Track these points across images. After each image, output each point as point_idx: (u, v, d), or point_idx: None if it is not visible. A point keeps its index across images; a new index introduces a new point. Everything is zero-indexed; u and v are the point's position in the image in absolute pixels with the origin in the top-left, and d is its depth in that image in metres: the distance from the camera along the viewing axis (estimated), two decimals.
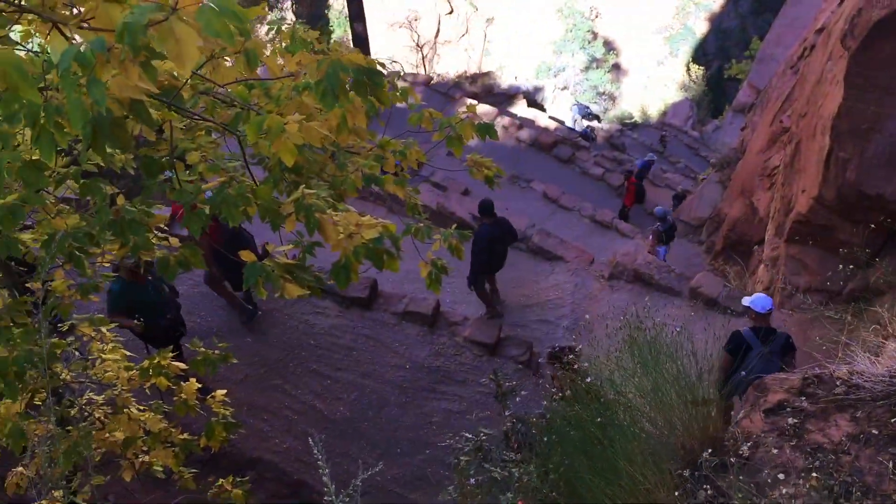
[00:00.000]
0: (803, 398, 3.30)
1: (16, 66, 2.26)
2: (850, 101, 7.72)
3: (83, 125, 2.43)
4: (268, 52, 4.66)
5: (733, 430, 3.40)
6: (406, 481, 7.77)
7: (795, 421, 3.17)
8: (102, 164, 4.36)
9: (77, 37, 2.49)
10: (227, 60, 4.00)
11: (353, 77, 3.18)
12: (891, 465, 2.76)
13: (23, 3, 2.61)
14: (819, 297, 9.18)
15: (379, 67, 3.45)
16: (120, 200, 3.85)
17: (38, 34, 4.02)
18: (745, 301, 7.12)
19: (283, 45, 4.94)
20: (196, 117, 4.02)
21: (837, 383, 3.28)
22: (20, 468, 5.70)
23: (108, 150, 3.21)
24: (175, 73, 3.23)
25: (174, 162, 3.94)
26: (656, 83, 44.14)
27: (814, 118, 9.31)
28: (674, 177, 24.89)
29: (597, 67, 42.40)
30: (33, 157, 3.24)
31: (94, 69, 2.16)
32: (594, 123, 27.44)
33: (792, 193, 10.16)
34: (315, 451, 2.65)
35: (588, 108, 28.71)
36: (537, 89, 39.18)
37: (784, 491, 2.67)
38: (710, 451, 3.02)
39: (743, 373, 5.66)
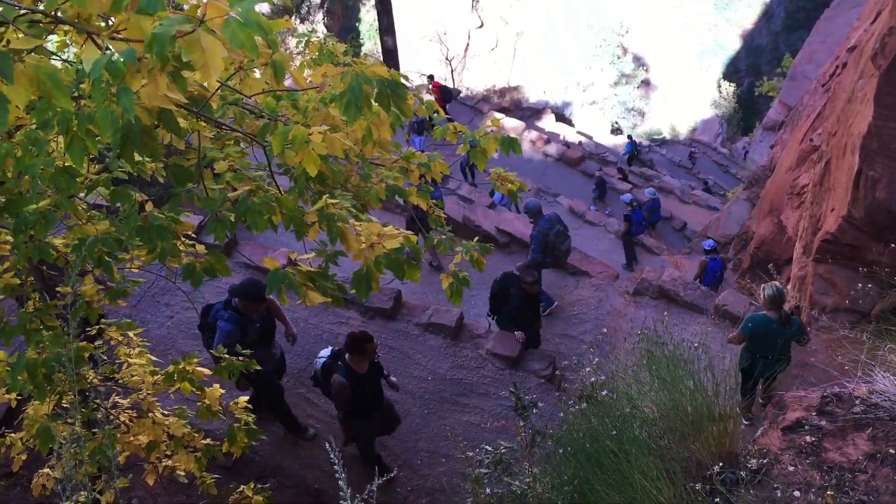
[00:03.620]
0: (822, 416, 3.28)
1: (51, 76, 2.34)
2: (879, 120, 7.66)
3: (113, 133, 2.51)
4: (296, 64, 4.74)
5: (750, 446, 3.39)
6: (425, 492, 7.78)
7: (813, 439, 3.16)
8: (132, 172, 4.47)
9: (110, 47, 2.57)
10: (255, 72, 4.09)
11: (377, 89, 3.23)
12: None
13: (59, 14, 2.70)
14: (847, 318, 9.07)
15: (403, 80, 3.51)
16: (149, 207, 3.93)
17: (73, 44, 4.14)
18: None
19: (312, 57, 5.04)
20: (224, 127, 4.10)
21: (856, 402, 3.26)
22: (46, 469, 5.81)
23: (138, 157, 3.30)
24: (204, 84, 3.32)
25: (202, 170, 4.01)
26: (686, 99, 43.96)
27: (844, 137, 9.24)
28: (702, 193, 24.75)
29: (626, 83, 42.34)
30: (66, 164, 3.33)
31: (125, 79, 2.23)
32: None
33: (821, 212, 10.07)
34: (332, 456, 2.69)
35: (638, 144, 28.73)
36: (565, 104, 39.18)
37: None
38: (720, 465, 3.02)
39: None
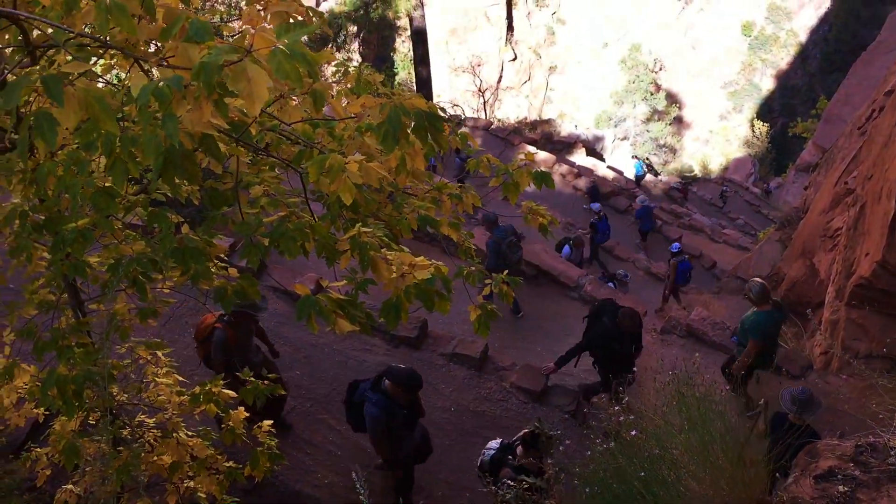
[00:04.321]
0: (855, 466, 3.21)
1: (98, 99, 2.39)
2: None
3: (156, 157, 2.56)
4: (334, 93, 4.81)
5: (782, 493, 3.32)
6: None
7: (846, 489, 3.09)
8: (170, 195, 4.54)
9: (155, 72, 2.63)
10: (294, 100, 4.15)
11: (414, 121, 3.26)
12: None
13: (108, 39, 2.77)
14: (881, 364, 8.91)
15: (440, 112, 3.54)
16: (184, 229, 3.98)
17: (118, 68, 4.23)
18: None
19: (348, 86, 5.10)
20: (262, 153, 4.16)
21: (892, 453, 3.19)
22: (69, 486, 5.84)
23: (177, 181, 3.35)
24: (244, 110, 3.37)
25: (239, 194, 4.07)
26: (719, 138, 43.82)
27: (880, 181, 9.14)
28: (732, 233, 24.57)
29: (658, 119, 42.30)
30: (106, 185, 3.39)
31: (171, 105, 2.28)
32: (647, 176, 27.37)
33: (854, 256, 9.94)
34: (357, 486, 2.68)
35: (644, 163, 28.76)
36: (597, 138, 39.24)
37: None
38: None
39: None
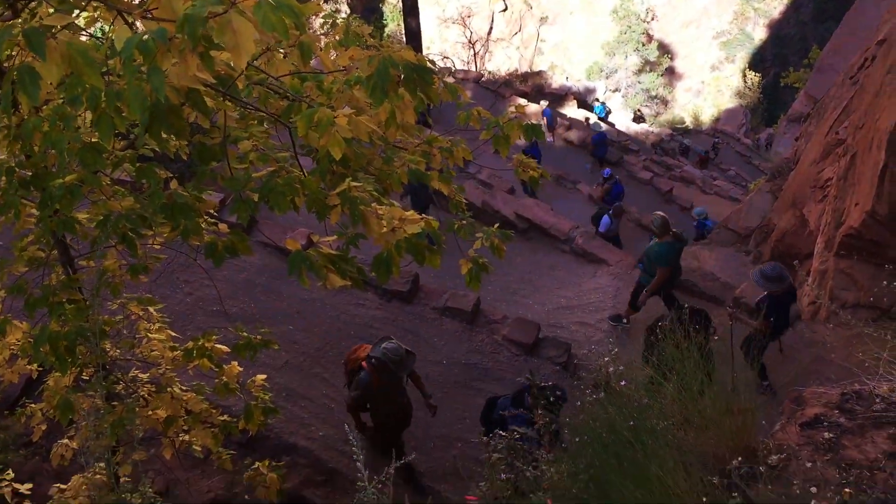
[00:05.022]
0: (841, 413, 3.27)
1: (82, 53, 2.35)
2: None
3: (142, 111, 2.52)
4: (321, 46, 4.74)
5: (768, 440, 3.38)
6: (438, 475, 7.82)
7: (831, 435, 3.14)
8: (158, 150, 4.49)
9: (139, 25, 2.58)
10: (281, 52, 4.09)
11: (404, 73, 3.23)
12: None
13: None
14: (868, 314, 8.99)
15: (429, 65, 3.50)
16: (173, 185, 3.95)
17: (101, 20, 4.15)
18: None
19: (337, 38, 5.03)
20: (249, 107, 4.11)
21: (877, 400, 3.24)
22: (65, 440, 5.90)
23: (164, 135, 3.32)
24: (231, 64, 3.32)
25: (227, 150, 4.03)
26: (710, 88, 43.54)
27: (870, 131, 9.12)
28: (723, 184, 24.57)
29: (650, 70, 41.94)
30: (93, 140, 3.35)
31: (155, 58, 2.24)
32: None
33: (844, 207, 9.97)
34: (351, 438, 2.71)
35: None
36: (588, 90, 38.91)
37: None
38: (739, 459, 3.01)
39: None
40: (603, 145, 22.19)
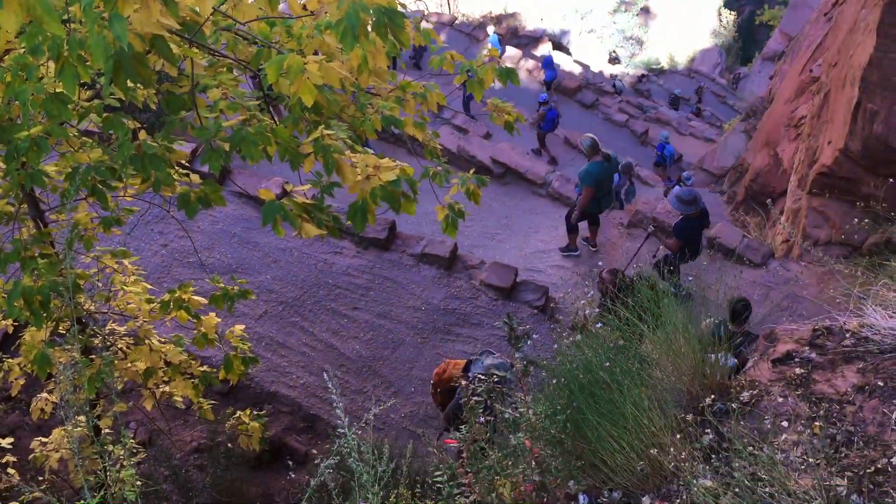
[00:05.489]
0: (812, 349, 3.34)
1: (41, 0, 2.28)
2: (881, 51, 7.57)
3: (105, 60, 2.46)
4: None
5: (741, 378, 3.45)
6: (418, 419, 7.94)
7: (802, 371, 3.21)
8: (125, 99, 4.39)
9: None
10: None
11: (374, 17, 3.16)
12: (894, 416, 2.80)
13: None
14: (839, 251, 9.14)
15: (400, 8, 3.43)
16: (142, 135, 3.88)
17: None
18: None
19: None
20: (217, 54, 4.02)
21: (847, 335, 3.31)
22: (44, 394, 5.90)
23: (130, 84, 3.25)
24: (196, 10, 3.23)
25: (196, 99, 3.95)
26: (685, 28, 43.11)
27: (844, 68, 9.13)
28: (699, 125, 24.58)
29: (625, 10, 41.43)
30: (57, 90, 3.27)
31: (117, 4, 2.18)
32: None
33: (818, 145, 10.04)
34: (330, 386, 2.73)
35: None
36: (563, 32, 38.44)
37: (786, 437, 2.72)
38: (713, 396, 3.08)
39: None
40: (551, 68, 22.57)
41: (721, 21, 43.25)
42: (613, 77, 29.64)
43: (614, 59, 38.20)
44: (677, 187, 9.28)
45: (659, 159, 18.37)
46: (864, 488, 2.46)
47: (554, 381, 3.65)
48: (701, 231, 9.13)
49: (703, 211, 8.89)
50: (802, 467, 2.58)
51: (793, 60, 16.15)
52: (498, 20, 33.25)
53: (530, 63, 24.17)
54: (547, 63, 22.57)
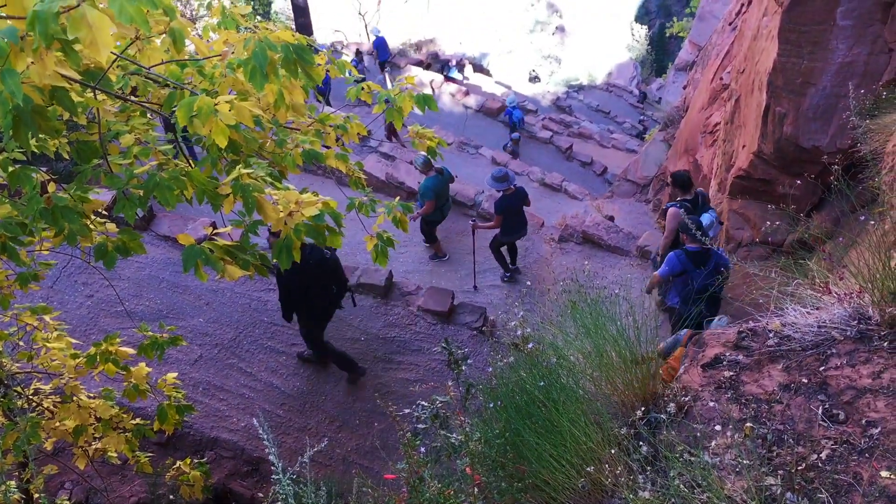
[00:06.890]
0: (738, 351, 3.41)
1: None
2: (784, 56, 7.86)
3: (3, 115, 2.38)
4: (199, 28, 4.57)
5: (674, 385, 3.50)
6: (366, 451, 7.84)
7: (731, 373, 3.27)
8: (36, 150, 4.27)
9: None
10: (155, 40, 3.92)
11: (283, 54, 3.14)
12: (820, 411, 2.87)
13: None
14: (763, 251, 9.41)
15: (310, 44, 3.42)
16: (51, 188, 3.77)
17: None
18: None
19: (214, 20, 4.86)
20: (125, 99, 3.94)
21: (770, 335, 3.39)
22: None
23: (33, 138, 3.15)
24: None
25: (106, 146, 3.86)
26: (600, 44, 44.18)
27: (752, 74, 9.47)
28: (621, 137, 25.10)
29: (541, 30, 42.28)
30: None
31: (9, 59, 2.11)
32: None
33: (733, 149, 10.35)
34: (261, 431, 2.67)
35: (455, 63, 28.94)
36: (483, 55, 38.97)
37: (718, 441, 2.77)
38: (643, 409, 3.11)
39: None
40: (385, 49, 24.38)
41: (633, 35, 44.50)
42: (638, 88, 30.81)
43: (534, 79, 38.87)
44: (493, 170, 11.07)
45: (511, 124, 21.20)
46: (796, 486, 2.51)
47: (491, 405, 3.65)
48: (520, 207, 10.33)
49: (518, 189, 10.22)
50: (737, 470, 2.62)
51: (703, 69, 16.67)
52: (417, 46, 33.53)
53: (452, 87, 24.40)
54: (379, 44, 24.49)
